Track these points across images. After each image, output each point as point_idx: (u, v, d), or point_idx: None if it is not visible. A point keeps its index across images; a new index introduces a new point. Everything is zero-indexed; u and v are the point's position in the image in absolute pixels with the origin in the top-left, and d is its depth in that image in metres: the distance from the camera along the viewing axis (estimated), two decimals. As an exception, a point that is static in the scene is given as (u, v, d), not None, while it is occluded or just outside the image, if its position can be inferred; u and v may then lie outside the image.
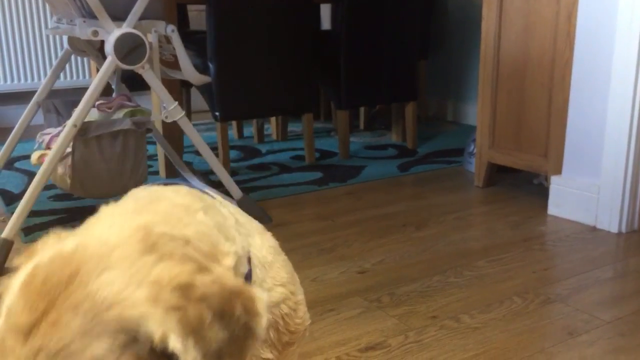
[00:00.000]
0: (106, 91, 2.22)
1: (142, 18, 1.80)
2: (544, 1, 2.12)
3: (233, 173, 2.61)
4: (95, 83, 1.77)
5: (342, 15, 2.77)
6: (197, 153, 2.21)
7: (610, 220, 1.97)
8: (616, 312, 1.47)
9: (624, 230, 1.96)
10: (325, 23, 3.82)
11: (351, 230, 2.00)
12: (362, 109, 3.53)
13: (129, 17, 1.76)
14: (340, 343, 1.35)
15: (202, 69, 2.45)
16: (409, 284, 1.62)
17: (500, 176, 2.49)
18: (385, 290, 1.58)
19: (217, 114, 2.56)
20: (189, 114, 3.15)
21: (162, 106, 1.89)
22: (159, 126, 2.38)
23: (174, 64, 1.95)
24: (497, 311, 1.48)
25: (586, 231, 1.99)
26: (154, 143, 2.81)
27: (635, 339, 1.35)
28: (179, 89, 2.56)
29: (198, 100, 3.44)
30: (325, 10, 3.75)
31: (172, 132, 2.43)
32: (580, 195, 2.05)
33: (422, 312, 1.47)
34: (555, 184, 2.12)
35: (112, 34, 1.73)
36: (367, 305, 1.50)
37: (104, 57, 1.80)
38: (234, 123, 3.33)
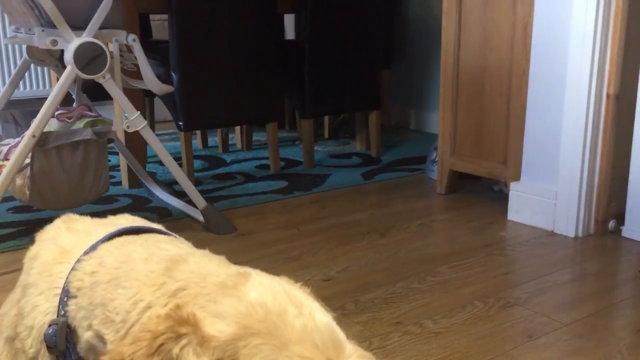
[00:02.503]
0: (67, 101, 2.19)
1: (102, 27, 1.79)
2: (501, 12, 2.18)
3: (197, 183, 2.60)
4: (55, 93, 1.74)
5: (305, 25, 2.79)
6: (161, 163, 2.20)
7: (567, 225, 2.02)
8: (574, 315, 1.51)
9: (580, 234, 2.02)
10: (290, 33, 3.84)
11: (316, 239, 2.01)
12: (326, 118, 3.55)
13: (89, 26, 1.74)
14: (305, 351, 1.35)
15: (165, 79, 2.43)
16: (373, 290, 1.64)
17: (462, 183, 2.54)
18: (349, 298, 1.59)
19: (180, 123, 2.54)
20: (152, 124, 3.12)
21: (123, 116, 1.88)
22: (121, 136, 2.36)
23: (136, 74, 1.94)
24: (459, 316, 1.50)
25: (544, 236, 2.04)
26: (116, 153, 2.78)
27: (592, 341, 1.39)
28: (142, 99, 2.54)
29: (162, 110, 3.41)
30: (290, 20, 3.77)
31: (135, 142, 2.41)
32: (538, 201, 2.10)
33: (386, 319, 1.49)
34: (515, 190, 2.18)
35: (71, 43, 1.71)
36: (331, 313, 1.51)
37: (64, 67, 1.78)
38: (198, 133, 3.31)
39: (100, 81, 1.78)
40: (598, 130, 1.96)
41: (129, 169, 2.44)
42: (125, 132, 2.02)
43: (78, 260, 0.64)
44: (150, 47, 2.66)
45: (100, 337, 0.58)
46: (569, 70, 1.96)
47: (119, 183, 2.60)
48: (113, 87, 1.80)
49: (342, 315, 1.50)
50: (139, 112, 1.87)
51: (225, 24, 2.55)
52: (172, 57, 2.47)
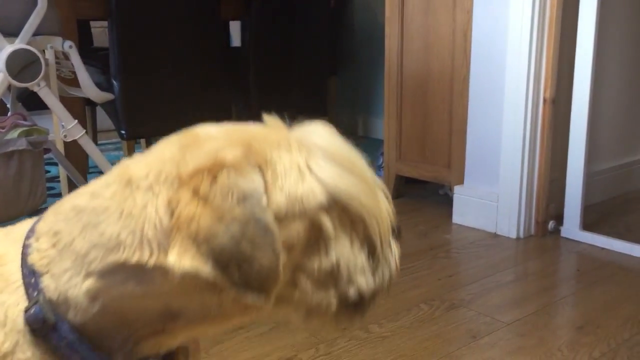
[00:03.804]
0: (1, 110, 2.11)
1: (37, 34, 1.73)
2: (441, 20, 2.23)
3: (141, 193, 2.54)
4: (-14, 102, 1.67)
5: (250, 32, 2.78)
6: (102, 173, 2.14)
7: (509, 226, 2.07)
8: (516, 314, 1.54)
9: (522, 235, 2.07)
10: (237, 40, 3.81)
11: (263, 247, 1.99)
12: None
13: (22, 32, 1.68)
14: (251, 361, 1.33)
15: (106, 87, 2.37)
16: (320, 297, 1.63)
17: (409, 188, 2.57)
18: (296, 305, 1.58)
19: (122, 132, 2.48)
20: (95, 133, 3.04)
21: (60, 125, 1.82)
22: (60, 146, 2.28)
23: (74, 81, 1.88)
24: (405, 319, 1.51)
25: (488, 238, 2.08)
26: (56, 164, 2.69)
27: (533, 339, 1.42)
28: (83, 108, 2.47)
29: (106, 119, 3.33)
30: (236, 27, 3.75)
31: (76, 152, 2.33)
32: (481, 204, 2.14)
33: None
34: (458, 194, 2.22)
35: (3, 50, 1.65)
36: (277, 320, 1.50)
37: (-4, 75, 1.71)
38: (142, 141, 3.24)
39: (35, 89, 1.72)
40: (536, 133, 2.02)
41: (69, 180, 2.36)
42: (66, 142, 1.96)
43: (25, 247, 0.58)
44: (91, 54, 2.60)
45: (112, 267, 0.52)
46: (507, 76, 2.01)
47: (59, 194, 2.52)
48: (48, 95, 1.75)
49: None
50: (76, 121, 1.81)
51: (167, 30, 2.51)
52: (112, 65, 2.42)
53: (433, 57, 2.27)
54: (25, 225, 0.63)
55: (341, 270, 0.55)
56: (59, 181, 2.60)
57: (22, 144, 1.70)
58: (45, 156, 1.92)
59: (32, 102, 2.12)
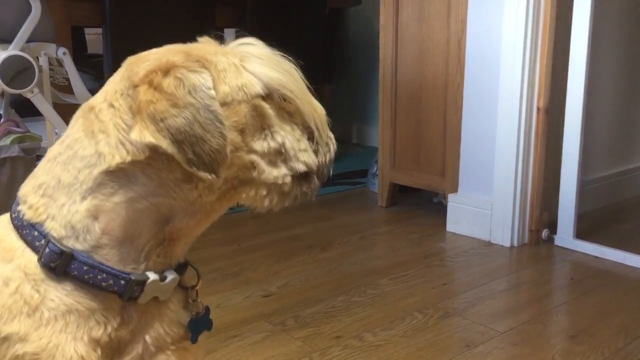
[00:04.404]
0: (-7, 117, 2.09)
1: (31, 40, 1.73)
2: (435, 28, 2.23)
3: (135, 200, 2.53)
4: (-21, 108, 1.66)
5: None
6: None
7: (502, 235, 2.07)
8: (510, 323, 1.54)
9: (515, 244, 2.07)
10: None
11: (257, 254, 1.99)
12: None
13: (16, 39, 1.68)
14: (244, 370, 1.32)
15: (99, 93, 2.37)
16: (313, 305, 1.62)
17: (403, 196, 2.57)
18: (290, 313, 1.58)
19: (116, 139, 2.48)
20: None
21: (54, 132, 1.81)
22: (53, 153, 2.27)
23: (67, 88, 1.88)
24: (398, 328, 1.51)
25: (482, 246, 2.08)
26: (49, 170, 2.68)
27: (526, 348, 1.42)
28: (75, 114, 2.46)
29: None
30: (230, 35, 3.75)
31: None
32: (475, 212, 2.14)
33: (326, 333, 1.48)
34: (452, 202, 2.22)
35: (-4, 57, 1.64)
36: (271, 329, 1.49)
37: (-11, 81, 1.71)
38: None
39: (28, 96, 1.71)
40: (529, 142, 2.03)
41: (62, 186, 2.35)
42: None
43: (14, 219, 0.63)
44: (85, 61, 2.60)
45: (101, 179, 0.60)
46: (500, 84, 2.02)
47: (52, 201, 2.50)
48: (42, 102, 1.74)
49: (283, 330, 1.48)
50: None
51: (161, 38, 2.50)
52: (106, 71, 2.41)
53: (427, 65, 2.28)
54: (1, 217, 0.67)
55: (287, 150, 0.64)
56: (51, 188, 2.59)
57: (15, 151, 1.69)
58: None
59: (25, 109, 2.11)
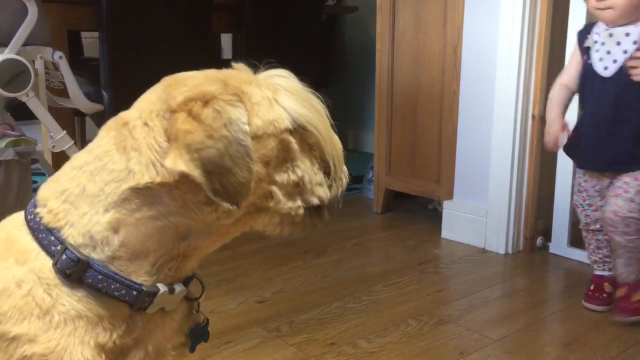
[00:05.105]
0: (-12, 120, 2.08)
1: (27, 44, 1.72)
2: (431, 35, 2.24)
3: (130, 204, 2.52)
4: (-26, 111, 1.66)
5: (241, 44, 2.78)
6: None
7: (497, 242, 2.07)
8: (504, 330, 1.54)
9: (510, 251, 2.07)
10: (228, 52, 3.82)
11: (252, 260, 1.99)
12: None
13: (12, 42, 1.67)
14: (237, 376, 1.32)
15: (95, 97, 2.36)
16: (308, 311, 1.62)
17: (398, 202, 2.57)
18: (284, 319, 1.57)
19: (112, 143, 2.47)
20: (84, 144, 3.02)
21: (49, 135, 1.81)
22: (48, 157, 2.26)
23: (63, 92, 1.87)
24: (393, 335, 1.50)
25: (476, 253, 2.08)
26: (43, 175, 2.67)
27: (520, 356, 1.42)
28: (71, 118, 2.45)
29: (94, 130, 3.32)
30: (227, 40, 3.75)
31: (64, 163, 2.32)
32: (470, 219, 2.15)
33: (320, 340, 1.47)
34: (447, 209, 2.22)
35: (-8, 60, 1.63)
36: (265, 335, 1.49)
37: (-16, 84, 1.70)
38: (132, 152, 3.22)
39: (24, 99, 1.70)
40: (525, 149, 2.03)
41: (56, 190, 2.34)
42: (54, 153, 1.94)
43: (29, 221, 0.63)
44: (82, 65, 2.59)
45: (127, 194, 0.61)
46: (496, 92, 2.03)
47: (46, 205, 2.49)
48: (37, 106, 1.73)
49: (277, 337, 1.48)
50: (65, 131, 1.80)
51: (158, 43, 2.50)
52: (102, 75, 2.41)
53: (423, 72, 2.29)
54: (14, 215, 0.68)
55: (305, 183, 0.67)
56: (46, 192, 2.58)
57: (10, 155, 1.68)
58: (33, 167, 1.91)
59: (21, 112, 2.10)
